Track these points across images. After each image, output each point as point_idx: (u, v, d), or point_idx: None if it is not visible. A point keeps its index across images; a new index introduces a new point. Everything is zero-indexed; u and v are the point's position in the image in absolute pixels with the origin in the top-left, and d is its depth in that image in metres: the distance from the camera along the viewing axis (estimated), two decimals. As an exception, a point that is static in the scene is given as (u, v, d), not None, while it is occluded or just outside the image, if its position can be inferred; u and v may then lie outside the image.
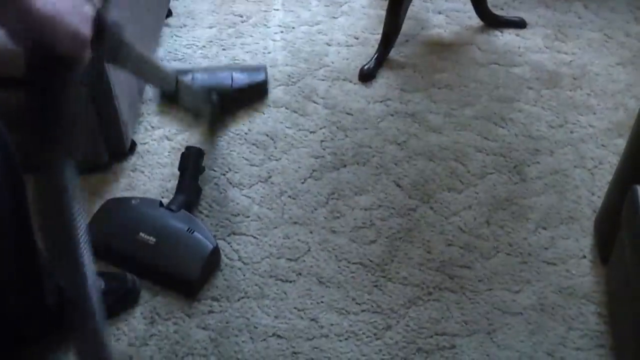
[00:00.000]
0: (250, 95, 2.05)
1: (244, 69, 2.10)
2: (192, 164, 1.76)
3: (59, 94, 0.93)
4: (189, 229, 1.60)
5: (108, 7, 1.33)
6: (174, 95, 1.61)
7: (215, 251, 1.60)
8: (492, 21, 2.34)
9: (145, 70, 1.37)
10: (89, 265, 1.00)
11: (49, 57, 0.89)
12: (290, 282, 1.61)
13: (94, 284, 1.02)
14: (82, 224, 0.99)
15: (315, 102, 2.05)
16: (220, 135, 1.92)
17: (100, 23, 0.96)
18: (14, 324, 1.38)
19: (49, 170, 0.96)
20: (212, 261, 1.61)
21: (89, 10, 0.93)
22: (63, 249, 1.00)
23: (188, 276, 1.56)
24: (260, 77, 2.07)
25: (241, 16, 2.38)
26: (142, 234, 1.58)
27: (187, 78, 1.95)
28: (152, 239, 1.58)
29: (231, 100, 1.99)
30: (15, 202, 1.22)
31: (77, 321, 1.04)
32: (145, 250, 1.58)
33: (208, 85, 1.97)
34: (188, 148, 1.79)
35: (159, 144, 1.92)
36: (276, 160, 1.88)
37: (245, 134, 1.95)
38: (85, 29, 0.91)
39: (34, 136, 0.94)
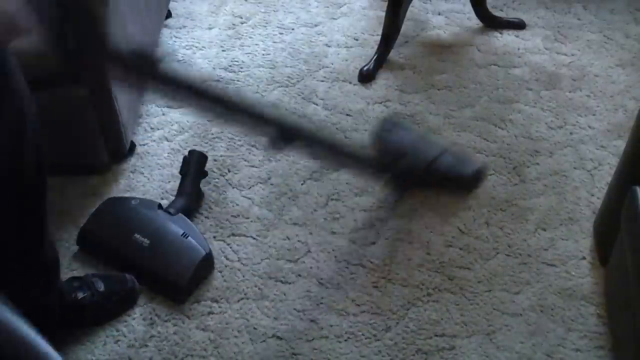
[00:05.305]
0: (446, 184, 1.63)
1: (459, 155, 1.64)
2: (194, 167, 1.76)
3: None
4: (183, 233, 1.59)
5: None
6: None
7: (208, 258, 1.59)
8: (492, 22, 2.34)
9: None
10: None
11: None
12: (290, 283, 1.61)
13: None
14: None
15: (314, 104, 2.05)
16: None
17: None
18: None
19: None
20: (204, 267, 1.60)
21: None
22: None
23: (177, 281, 1.56)
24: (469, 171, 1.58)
25: (241, 17, 2.38)
26: (137, 235, 1.58)
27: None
28: (146, 241, 1.58)
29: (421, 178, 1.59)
30: (25, 193, 1.22)
31: None
32: (138, 251, 1.57)
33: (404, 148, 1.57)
34: (191, 152, 1.79)
35: (158, 145, 1.92)
36: (276, 161, 1.88)
37: (245, 135, 1.95)
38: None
39: None
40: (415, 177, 1.50)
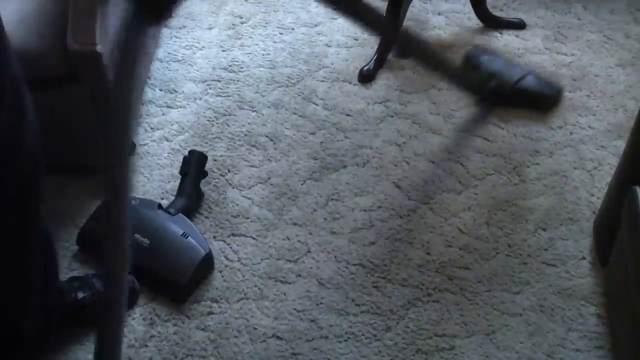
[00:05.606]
0: (530, 102, 1.94)
1: (541, 77, 1.97)
2: (194, 168, 1.76)
3: None
4: (183, 233, 1.59)
5: None
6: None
7: (208, 258, 1.60)
8: (492, 22, 2.34)
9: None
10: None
11: None
12: (290, 283, 1.61)
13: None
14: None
15: (314, 104, 2.05)
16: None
17: None
18: (14, 324, 1.38)
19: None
20: (204, 267, 1.60)
21: None
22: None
23: (177, 281, 1.56)
24: (551, 90, 1.94)
25: (241, 17, 2.38)
26: (137, 235, 1.58)
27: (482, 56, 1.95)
28: (146, 241, 1.58)
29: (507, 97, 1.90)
30: (24, 197, 1.22)
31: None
32: (139, 251, 1.57)
33: (493, 69, 1.89)
34: (191, 152, 1.79)
35: (158, 145, 1.92)
36: (276, 161, 1.88)
37: (245, 135, 1.95)
38: None
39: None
40: (502, 95, 1.68)
